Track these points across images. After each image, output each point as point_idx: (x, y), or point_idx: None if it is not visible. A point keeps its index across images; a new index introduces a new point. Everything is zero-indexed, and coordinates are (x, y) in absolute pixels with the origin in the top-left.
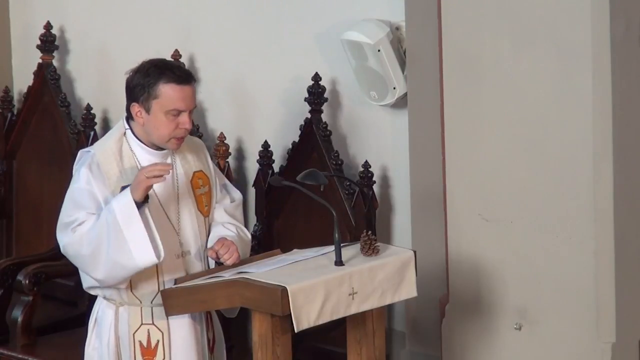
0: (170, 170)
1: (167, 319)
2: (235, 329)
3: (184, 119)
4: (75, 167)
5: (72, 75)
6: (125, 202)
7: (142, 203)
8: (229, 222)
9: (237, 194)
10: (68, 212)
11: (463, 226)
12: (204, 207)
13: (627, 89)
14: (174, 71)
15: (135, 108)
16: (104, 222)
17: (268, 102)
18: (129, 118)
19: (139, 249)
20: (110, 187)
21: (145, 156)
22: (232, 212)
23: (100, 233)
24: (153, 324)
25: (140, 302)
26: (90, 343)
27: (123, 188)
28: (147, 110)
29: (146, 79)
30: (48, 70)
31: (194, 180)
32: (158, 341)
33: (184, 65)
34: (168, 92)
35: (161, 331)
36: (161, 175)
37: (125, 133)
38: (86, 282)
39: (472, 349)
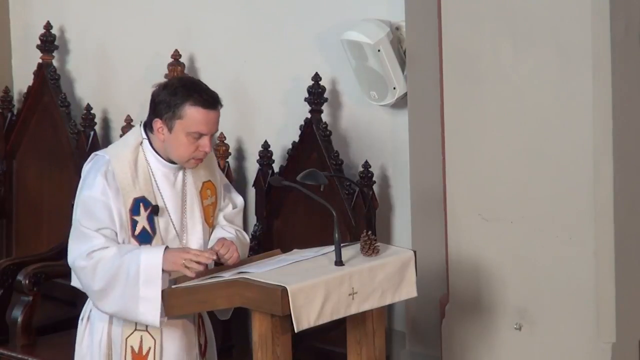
0: (179, 174)
1: (161, 326)
2: (235, 329)
3: (205, 142)
4: (86, 168)
5: (72, 75)
6: (154, 264)
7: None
8: (227, 226)
9: (239, 200)
10: (83, 221)
11: (463, 226)
12: (210, 218)
13: (627, 89)
14: (202, 94)
15: (158, 124)
16: (125, 269)
17: (268, 102)
18: (148, 128)
19: (147, 310)
20: (123, 197)
21: (160, 168)
22: (231, 218)
23: (118, 276)
24: (146, 330)
25: None
26: (83, 340)
27: (136, 200)
28: (170, 129)
29: (172, 98)
30: (48, 70)
31: (203, 191)
32: (150, 348)
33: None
34: (193, 115)
35: (154, 338)
36: (200, 266)
37: (142, 142)
38: (75, 281)
39: (472, 349)
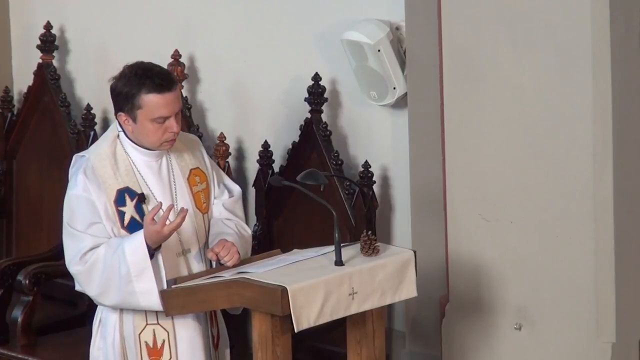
0: (162, 161)
1: (172, 317)
2: (235, 329)
3: (171, 123)
4: (70, 171)
5: (72, 75)
6: (140, 256)
7: (155, 248)
8: (227, 219)
9: (236, 188)
10: (70, 222)
11: (463, 226)
12: (202, 204)
13: (627, 89)
14: (154, 79)
15: (122, 117)
16: (116, 270)
17: (268, 102)
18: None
19: (147, 299)
20: (105, 190)
21: (140, 157)
22: (231, 207)
23: (111, 279)
24: (158, 323)
25: None
26: (95, 343)
27: (119, 191)
28: (134, 120)
29: (127, 89)
30: (48, 70)
31: (191, 177)
32: (164, 341)
33: (164, 68)
34: (151, 101)
35: (166, 330)
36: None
37: (118, 135)
38: (78, 286)
39: (472, 348)
